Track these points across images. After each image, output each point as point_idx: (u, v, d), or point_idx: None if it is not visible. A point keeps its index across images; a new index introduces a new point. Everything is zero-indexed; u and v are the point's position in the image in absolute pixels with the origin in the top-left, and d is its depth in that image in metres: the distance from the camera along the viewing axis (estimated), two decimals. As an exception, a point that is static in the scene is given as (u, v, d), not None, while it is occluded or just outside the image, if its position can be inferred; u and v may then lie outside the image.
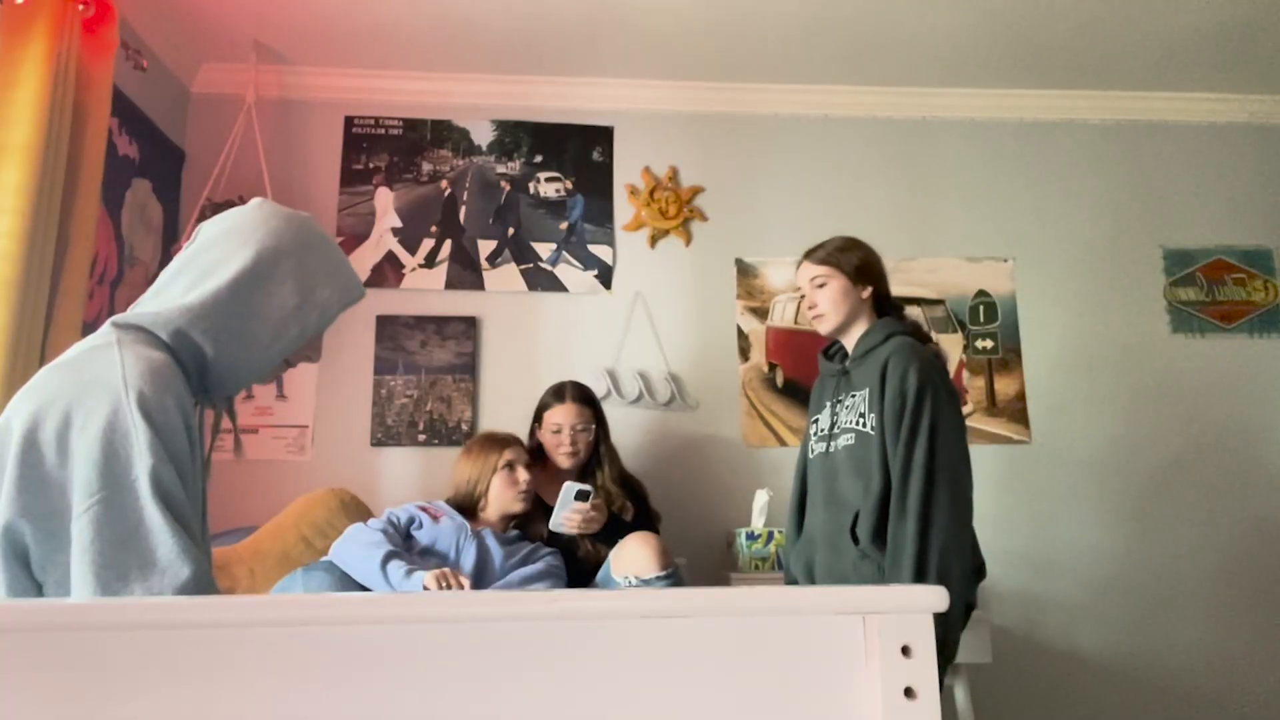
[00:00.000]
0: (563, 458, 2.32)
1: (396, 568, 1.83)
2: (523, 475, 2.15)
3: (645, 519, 2.31)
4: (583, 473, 2.35)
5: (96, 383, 1.00)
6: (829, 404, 1.94)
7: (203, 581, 0.96)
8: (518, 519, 2.19)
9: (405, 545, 1.98)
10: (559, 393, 2.38)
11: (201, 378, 1.13)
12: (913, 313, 3.02)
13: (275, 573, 2.10)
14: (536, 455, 2.40)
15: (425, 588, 1.80)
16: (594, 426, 2.36)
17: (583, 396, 2.39)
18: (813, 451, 1.96)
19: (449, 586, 1.80)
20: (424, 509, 2.10)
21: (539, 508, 2.21)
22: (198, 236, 1.17)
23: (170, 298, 1.12)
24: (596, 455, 2.38)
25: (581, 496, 2.09)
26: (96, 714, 0.58)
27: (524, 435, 2.38)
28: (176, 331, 1.08)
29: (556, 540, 2.19)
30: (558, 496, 2.12)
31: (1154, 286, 3.13)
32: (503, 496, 2.13)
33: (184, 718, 0.58)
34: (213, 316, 1.10)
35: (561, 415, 2.34)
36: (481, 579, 1.97)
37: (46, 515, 0.96)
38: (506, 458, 2.16)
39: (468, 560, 1.98)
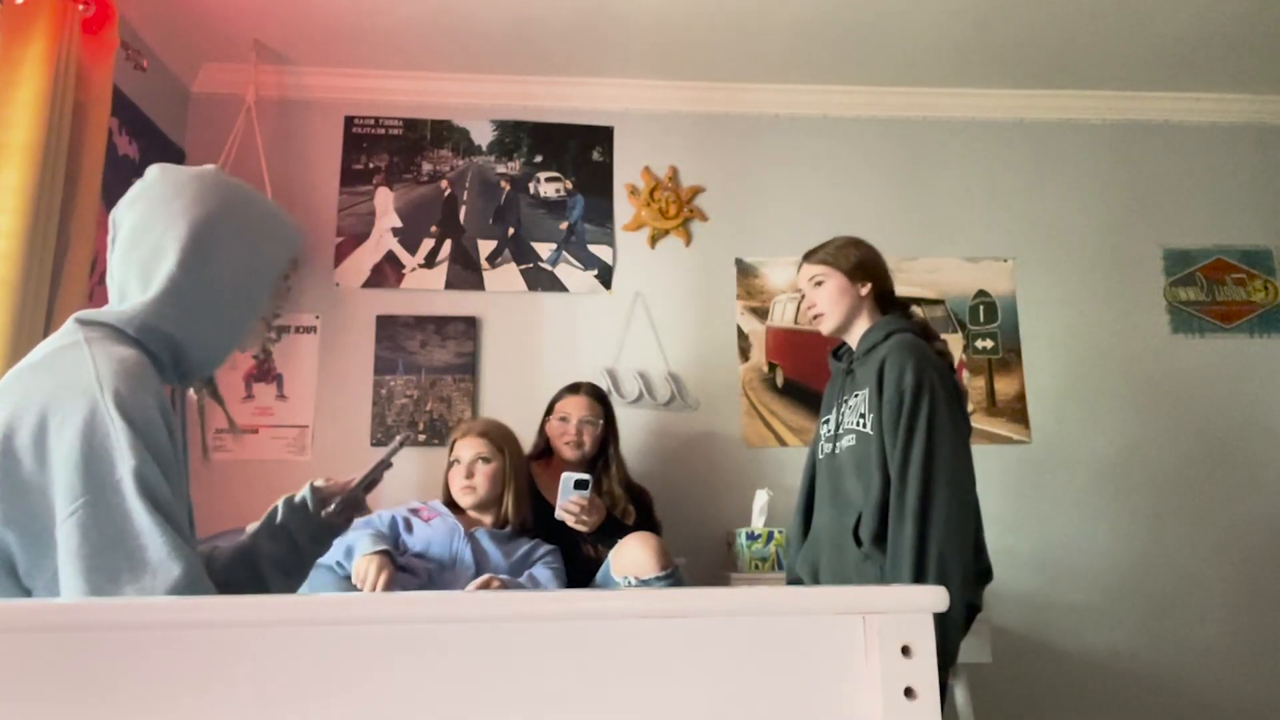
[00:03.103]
0: (566, 448, 2.34)
1: (359, 539, 1.86)
2: (462, 471, 2.09)
3: (647, 526, 2.31)
4: (588, 472, 2.35)
5: (70, 384, 0.97)
6: (836, 404, 1.94)
7: (195, 578, 0.94)
8: (509, 513, 2.14)
9: (396, 549, 1.97)
10: (575, 387, 2.45)
11: (177, 364, 1.11)
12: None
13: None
14: (544, 451, 2.43)
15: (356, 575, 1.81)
16: (601, 423, 2.39)
17: (596, 393, 2.45)
18: (821, 452, 1.95)
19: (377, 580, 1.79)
20: (415, 510, 2.09)
21: (540, 505, 2.21)
22: (118, 230, 1.13)
23: (133, 298, 1.09)
24: (604, 457, 2.40)
25: (580, 486, 2.09)
26: (96, 714, 0.58)
27: (524, 434, 2.38)
28: (143, 326, 1.06)
29: (557, 537, 2.18)
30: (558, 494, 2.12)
31: (1154, 286, 3.13)
32: (452, 490, 2.12)
33: (183, 718, 0.58)
34: (177, 302, 1.08)
35: (571, 406, 2.38)
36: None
37: (29, 521, 0.94)
38: (455, 454, 2.13)
39: (464, 564, 1.97)
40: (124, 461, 0.94)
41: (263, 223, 1.17)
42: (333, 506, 1.28)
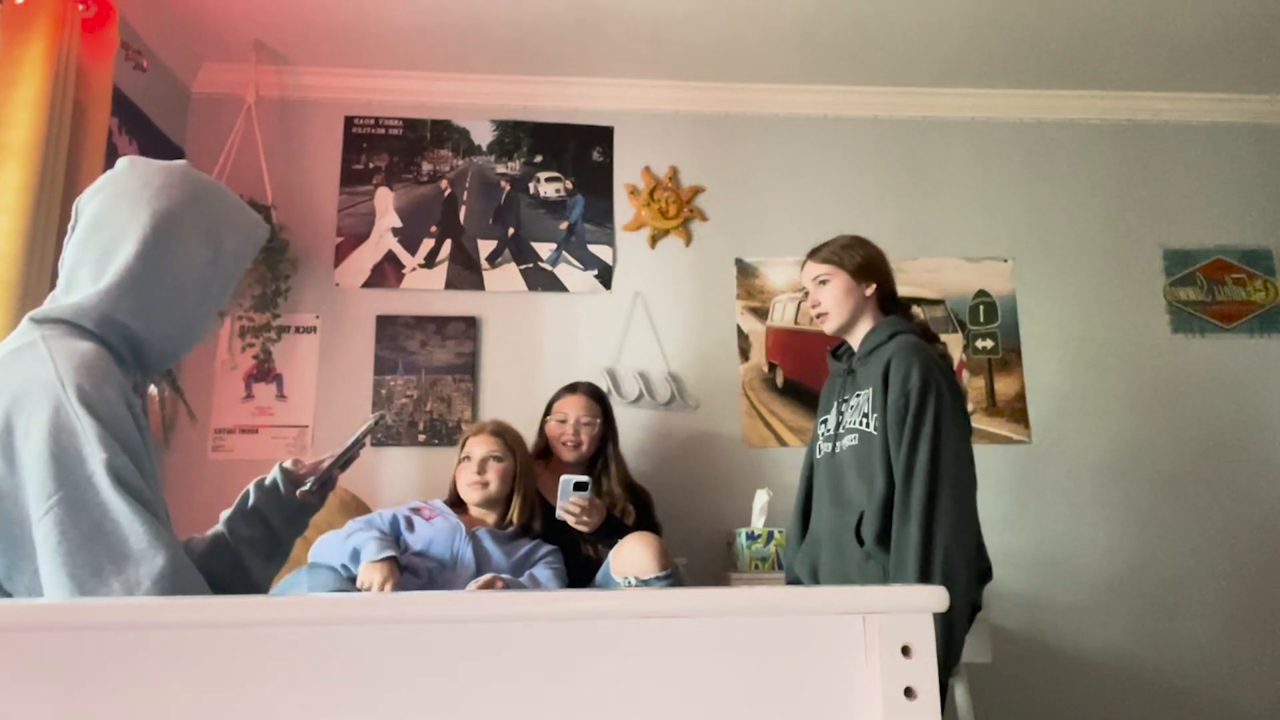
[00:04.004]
0: (565, 449, 2.34)
1: (365, 542, 1.84)
2: (473, 468, 2.08)
3: (647, 527, 2.30)
4: (588, 472, 2.35)
5: (32, 383, 0.96)
6: (836, 403, 1.94)
7: (179, 566, 0.93)
8: (514, 515, 2.14)
9: (397, 547, 1.96)
10: (572, 387, 2.45)
11: (137, 357, 1.10)
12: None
13: (275, 573, 2.09)
14: (544, 452, 2.43)
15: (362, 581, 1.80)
16: (600, 422, 2.39)
17: (594, 393, 2.45)
18: (820, 451, 1.95)
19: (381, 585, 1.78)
20: (416, 509, 2.09)
21: (541, 506, 2.21)
22: (79, 217, 1.12)
23: (83, 287, 1.07)
24: (604, 457, 2.40)
25: (580, 488, 2.10)
26: (95, 714, 0.58)
27: (524, 434, 2.38)
28: (100, 318, 1.05)
29: (557, 537, 2.18)
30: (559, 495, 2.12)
31: (1154, 286, 3.13)
32: (460, 486, 2.12)
33: (183, 718, 0.58)
34: (133, 293, 1.06)
35: (569, 406, 2.38)
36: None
37: (4, 525, 0.94)
38: (466, 450, 2.13)
39: (465, 563, 1.96)
40: (94, 456, 0.93)
41: (227, 218, 1.16)
42: (308, 485, 1.28)
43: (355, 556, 1.84)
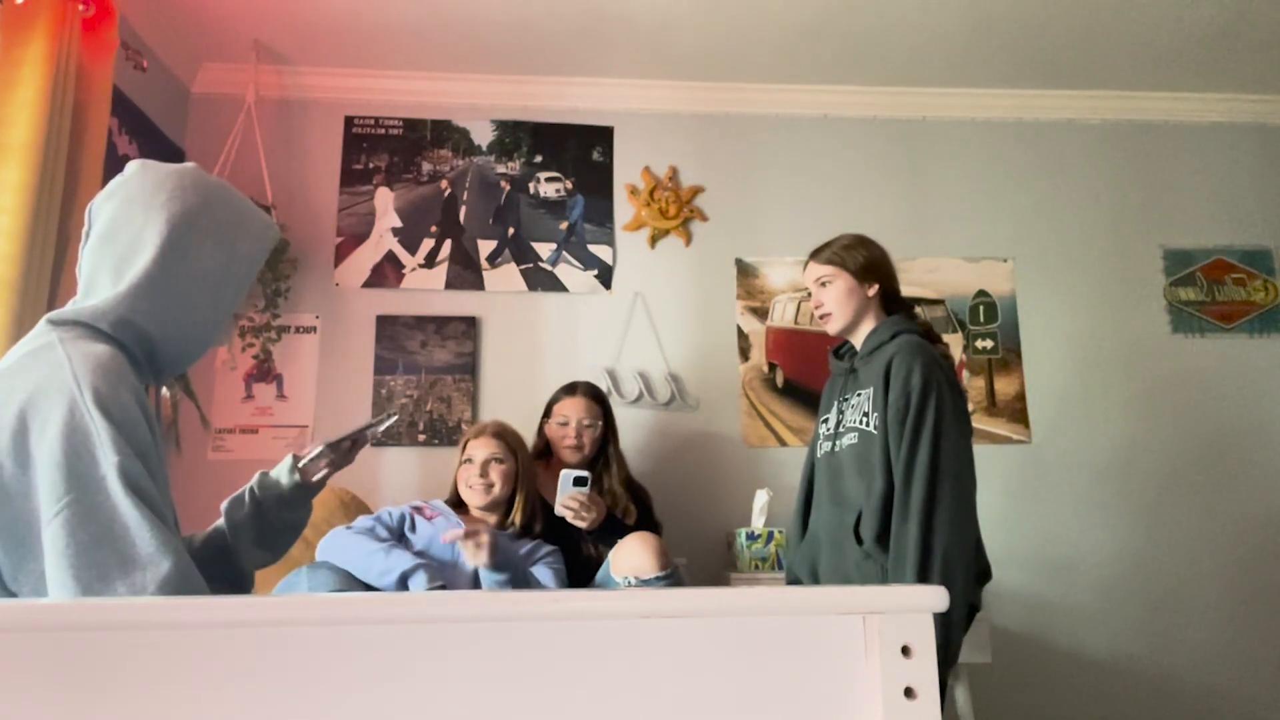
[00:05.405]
0: (567, 451, 2.34)
1: (416, 572, 1.83)
2: (475, 470, 2.08)
3: (647, 526, 2.31)
4: (588, 471, 2.35)
5: (47, 384, 0.97)
6: (837, 402, 1.94)
7: (185, 572, 0.94)
8: (516, 516, 2.14)
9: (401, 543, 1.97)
10: (571, 388, 2.43)
11: (151, 360, 1.11)
12: (913, 313, 3.02)
13: (276, 572, 2.09)
14: (543, 452, 2.43)
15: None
16: (601, 424, 2.39)
17: (594, 394, 2.44)
18: (820, 450, 1.95)
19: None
20: (418, 509, 2.09)
21: (542, 506, 2.21)
22: (93, 222, 1.13)
23: (102, 291, 1.08)
24: (604, 456, 2.39)
25: (579, 483, 2.10)
26: (96, 714, 0.58)
27: (524, 434, 2.38)
28: (118, 321, 1.06)
29: (558, 537, 2.18)
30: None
31: (1154, 286, 3.13)
32: (461, 488, 2.11)
33: (184, 718, 0.58)
34: (150, 296, 1.07)
35: (570, 408, 2.37)
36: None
37: (11, 525, 0.94)
38: (467, 453, 2.13)
39: (465, 563, 1.96)
40: (106, 458, 0.93)
41: (240, 221, 1.17)
42: (310, 455, 1.29)
43: (402, 581, 1.82)
